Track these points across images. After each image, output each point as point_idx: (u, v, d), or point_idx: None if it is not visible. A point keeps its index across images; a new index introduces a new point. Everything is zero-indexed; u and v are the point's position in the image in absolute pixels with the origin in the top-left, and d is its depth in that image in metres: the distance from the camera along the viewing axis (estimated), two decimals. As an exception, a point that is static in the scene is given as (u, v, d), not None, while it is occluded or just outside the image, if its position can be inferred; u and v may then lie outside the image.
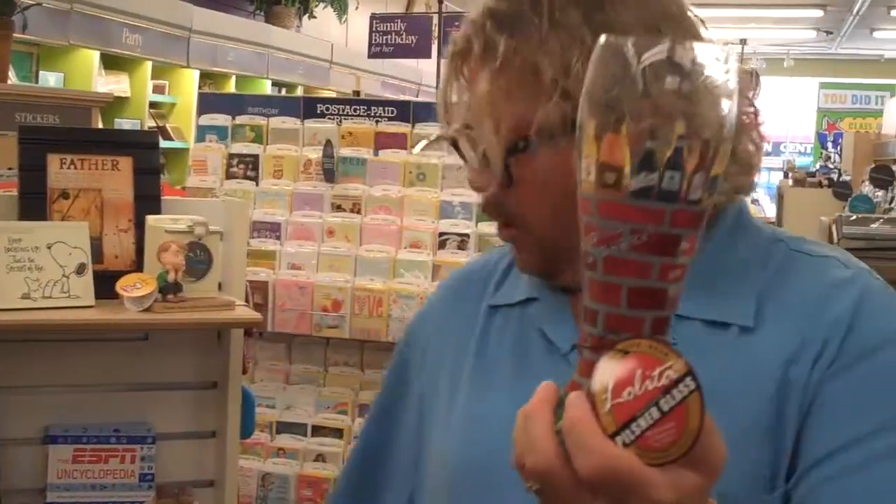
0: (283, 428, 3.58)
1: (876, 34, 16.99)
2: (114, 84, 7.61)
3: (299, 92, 9.91)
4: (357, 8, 10.51)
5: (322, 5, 10.39)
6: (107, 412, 2.18)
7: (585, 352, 0.65)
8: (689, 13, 0.96)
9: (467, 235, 3.51)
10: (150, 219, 2.11)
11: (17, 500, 2.13)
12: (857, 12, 14.77)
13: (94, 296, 2.06)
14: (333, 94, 9.58)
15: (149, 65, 7.90)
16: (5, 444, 2.13)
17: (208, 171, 3.73)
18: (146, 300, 2.03)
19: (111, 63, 7.64)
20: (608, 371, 0.62)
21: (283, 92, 9.78)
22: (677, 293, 0.65)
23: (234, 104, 3.87)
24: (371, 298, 3.48)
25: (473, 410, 1.03)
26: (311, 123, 3.72)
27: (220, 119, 3.79)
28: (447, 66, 0.97)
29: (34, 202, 2.12)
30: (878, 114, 18.57)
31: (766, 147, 1.03)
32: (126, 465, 2.13)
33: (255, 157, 3.72)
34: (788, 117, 20.45)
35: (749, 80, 0.97)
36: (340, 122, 3.70)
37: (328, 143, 3.60)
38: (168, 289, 2.05)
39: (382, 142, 3.65)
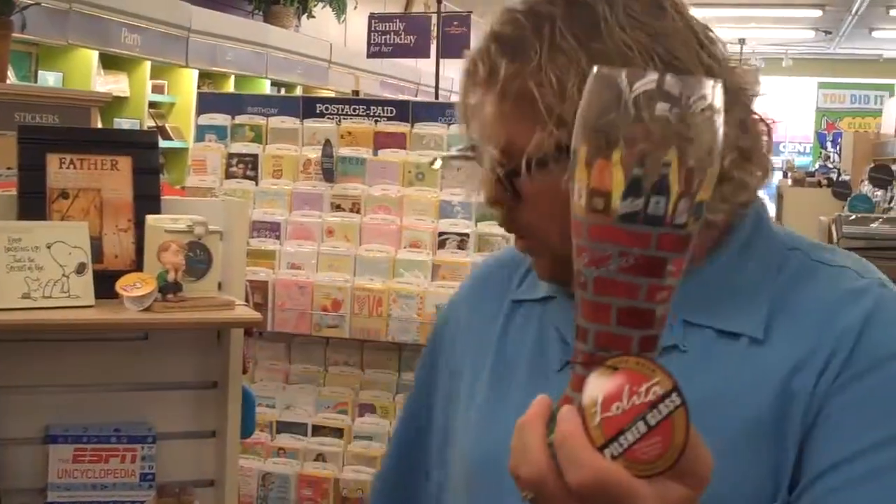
0: (283, 427, 3.58)
1: (875, 34, 17.00)
2: (113, 84, 7.61)
3: (298, 92, 9.91)
4: (356, 8, 10.50)
5: (321, 5, 10.39)
6: (107, 412, 2.18)
7: (577, 367, 0.68)
8: (692, 23, 0.95)
9: (467, 235, 3.51)
10: (150, 218, 2.11)
11: (17, 500, 2.13)
12: (856, 12, 14.78)
13: (94, 295, 2.06)
14: (332, 94, 9.59)
15: (148, 64, 7.89)
16: (5, 444, 2.13)
17: (208, 171, 3.73)
18: (146, 300, 2.03)
19: (110, 63, 7.63)
20: (598, 386, 0.65)
21: (282, 92, 9.77)
22: (665, 313, 0.67)
23: (234, 104, 3.87)
24: (371, 298, 3.48)
25: (490, 410, 1.05)
26: (310, 123, 3.72)
27: (220, 119, 3.79)
28: (462, 83, 0.99)
29: (34, 202, 2.11)
30: (878, 113, 18.58)
31: None
32: (126, 464, 2.13)
33: (255, 156, 3.72)
34: (787, 117, 20.45)
35: (756, 82, 0.98)
36: (339, 121, 3.70)
37: (327, 143, 3.60)
38: (168, 288, 2.05)
39: (381, 141, 3.65)
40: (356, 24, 10.49)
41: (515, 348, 1.07)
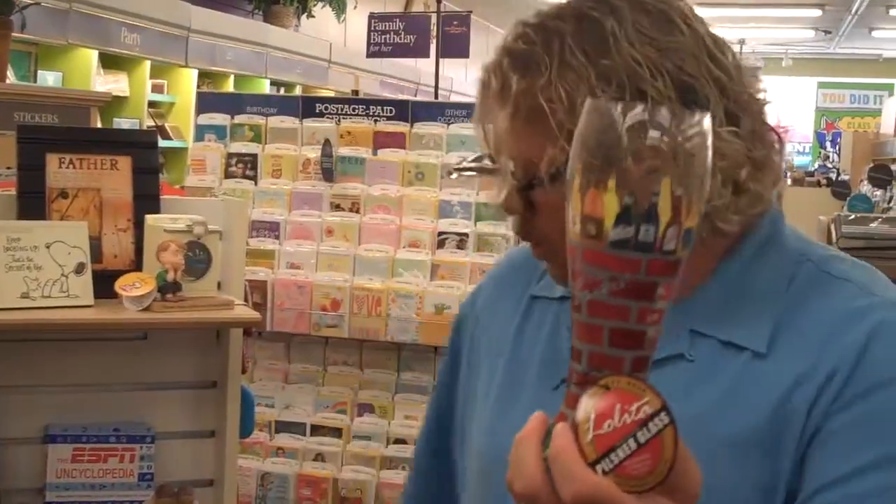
0: (282, 427, 3.58)
1: (874, 34, 17.00)
2: (112, 83, 7.61)
3: (298, 91, 9.91)
4: (355, 7, 10.50)
5: (320, 5, 10.38)
6: (106, 412, 2.18)
7: (571, 386, 0.71)
8: (701, 35, 0.95)
9: (466, 235, 3.51)
10: (149, 218, 2.11)
11: (16, 500, 2.13)
12: (856, 12, 14.78)
13: (94, 295, 2.06)
14: (332, 94, 9.58)
15: (147, 64, 7.89)
16: (5, 444, 2.13)
17: (207, 171, 3.73)
18: (145, 300, 2.03)
19: (110, 62, 7.63)
20: (591, 405, 0.68)
21: (282, 91, 9.77)
22: (656, 334, 0.70)
23: (233, 103, 3.87)
24: (370, 298, 3.48)
25: (502, 411, 1.08)
26: (309, 123, 3.72)
27: (219, 118, 3.79)
28: (477, 95, 1.01)
29: (33, 201, 2.11)
30: (877, 113, 18.59)
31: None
32: (125, 464, 2.13)
33: (254, 156, 3.72)
34: (787, 117, 20.46)
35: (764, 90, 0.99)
36: (339, 121, 3.70)
37: (327, 143, 3.60)
38: (167, 288, 2.05)
39: (381, 141, 3.65)
40: (356, 24, 10.49)
41: (529, 347, 1.09)
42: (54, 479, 2.11)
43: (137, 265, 2.12)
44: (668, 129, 0.68)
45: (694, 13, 0.97)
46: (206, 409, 2.27)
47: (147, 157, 2.23)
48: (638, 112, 0.68)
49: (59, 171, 2.14)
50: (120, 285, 2.04)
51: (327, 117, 3.72)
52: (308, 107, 3.77)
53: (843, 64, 20.58)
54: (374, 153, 3.65)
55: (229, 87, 9.01)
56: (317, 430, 3.57)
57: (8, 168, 3.13)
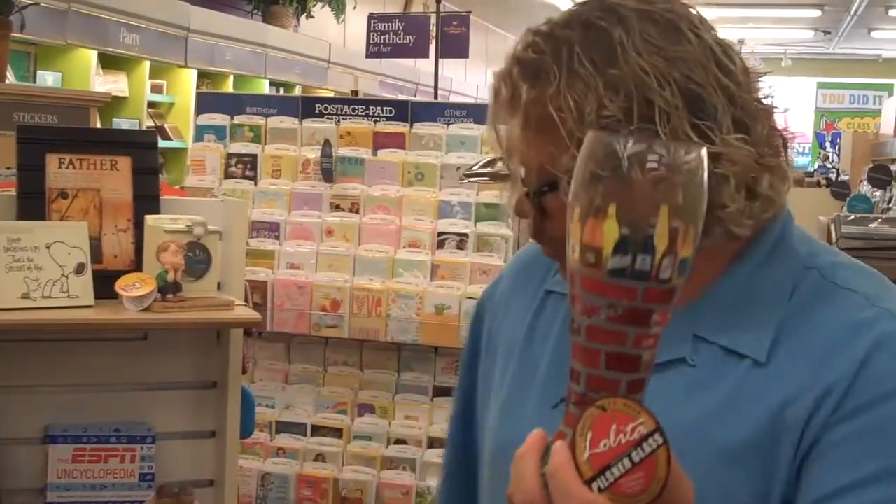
0: (283, 427, 3.58)
1: (874, 34, 17.01)
2: (112, 84, 7.60)
3: (297, 92, 9.90)
4: (355, 8, 10.49)
5: (320, 5, 10.37)
6: (106, 412, 2.18)
7: (570, 406, 0.75)
8: (709, 44, 0.95)
9: (466, 235, 3.51)
10: (149, 218, 2.11)
11: (16, 500, 2.13)
12: (855, 12, 14.78)
13: (94, 295, 2.06)
14: (331, 94, 9.58)
15: (147, 64, 7.89)
16: (5, 444, 2.13)
17: (207, 171, 3.73)
18: (145, 300, 2.03)
19: (109, 63, 7.63)
20: (588, 424, 0.72)
21: (281, 91, 9.77)
22: (651, 358, 0.74)
23: (233, 104, 3.86)
24: (370, 298, 3.48)
25: (511, 400, 1.11)
26: (309, 123, 3.72)
27: (219, 119, 3.79)
28: (489, 102, 1.02)
29: (33, 202, 2.11)
30: (877, 113, 18.59)
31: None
32: (126, 464, 2.13)
33: (254, 156, 3.72)
34: (786, 117, 20.46)
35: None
36: (339, 121, 3.70)
37: (326, 143, 3.60)
38: (167, 288, 2.05)
39: (381, 141, 3.65)
40: (355, 24, 10.49)
41: (541, 344, 1.11)
42: (55, 480, 2.11)
43: (137, 265, 2.12)
44: (665, 162, 0.70)
45: (702, 21, 0.97)
46: (207, 410, 2.27)
47: (147, 158, 2.23)
48: (636, 145, 0.71)
49: (59, 171, 2.14)
50: (120, 285, 2.04)
51: (327, 117, 3.72)
52: (308, 107, 3.77)
53: (842, 64, 20.58)
54: (374, 153, 3.65)
55: (229, 87, 9.00)
56: (317, 430, 3.57)
57: (8, 168, 3.13)
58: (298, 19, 10.37)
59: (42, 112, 4.37)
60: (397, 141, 3.64)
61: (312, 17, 10.43)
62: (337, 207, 3.61)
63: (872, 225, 4.78)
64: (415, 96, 11.86)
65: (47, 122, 4.30)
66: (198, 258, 2.11)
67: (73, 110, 4.56)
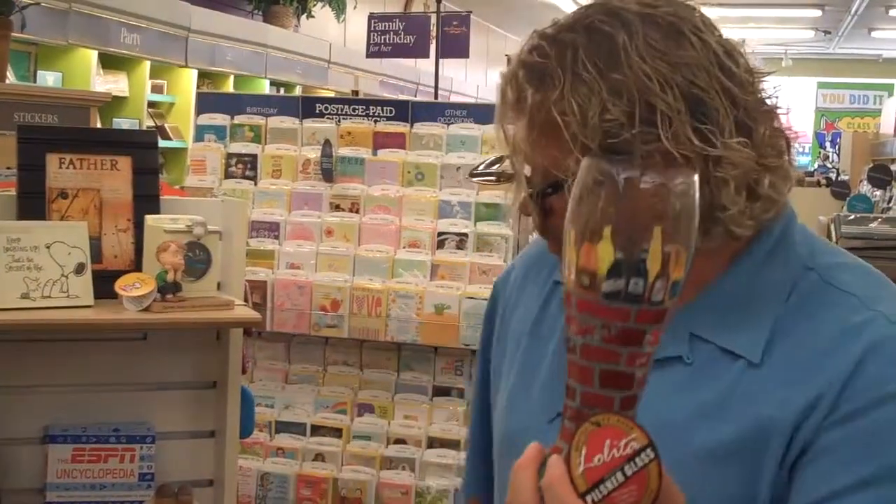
0: (282, 427, 3.58)
1: (874, 34, 17.00)
2: (112, 83, 7.60)
3: (297, 91, 9.90)
4: (355, 7, 10.49)
5: (320, 5, 10.37)
6: (106, 412, 2.18)
7: (566, 421, 0.78)
8: (712, 46, 0.95)
9: (466, 235, 3.51)
10: (149, 218, 2.11)
11: (16, 500, 2.13)
12: (856, 12, 14.78)
13: (94, 295, 2.06)
14: (332, 94, 9.58)
15: (147, 64, 7.89)
16: (5, 444, 2.13)
17: (207, 171, 3.73)
18: (145, 300, 2.03)
19: (109, 62, 7.63)
20: (583, 440, 0.74)
21: (282, 91, 9.77)
22: (644, 375, 0.76)
23: (233, 104, 3.87)
24: (370, 298, 3.48)
25: (517, 388, 1.13)
26: (309, 123, 3.72)
27: (219, 119, 3.79)
28: (496, 103, 1.03)
29: (33, 202, 2.11)
30: (877, 113, 18.60)
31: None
32: (125, 464, 2.13)
33: (254, 156, 3.72)
34: (788, 117, 20.43)
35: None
36: (339, 121, 3.70)
37: (327, 143, 3.60)
38: (167, 288, 2.05)
39: (381, 141, 3.65)
40: (355, 24, 10.49)
41: (548, 332, 1.12)
42: (54, 480, 2.11)
43: (137, 265, 2.12)
44: (658, 189, 0.73)
45: (706, 22, 0.97)
46: (206, 410, 2.27)
47: (147, 158, 2.23)
48: (630, 171, 0.74)
49: (59, 171, 2.14)
50: (120, 285, 2.04)
51: (327, 117, 3.72)
52: (308, 107, 3.77)
53: (842, 64, 20.57)
54: (374, 153, 3.65)
55: (229, 87, 9.00)
56: (317, 430, 3.57)
57: (8, 168, 3.13)
58: (299, 19, 10.37)
59: (42, 112, 4.37)
60: (397, 141, 3.65)
61: (313, 17, 10.43)
62: (337, 207, 3.62)
63: (872, 225, 4.78)
64: (415, 96, 11.86)
65: (47, 122, 4.31)
66: (198, 258, 2.11)
67: (73, 110, 4.56)
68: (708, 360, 0.98)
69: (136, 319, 2.04)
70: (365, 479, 3.46)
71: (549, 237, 1.04)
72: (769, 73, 1.00)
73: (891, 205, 7.33)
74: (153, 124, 7.90)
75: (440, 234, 3.53)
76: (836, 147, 16.60)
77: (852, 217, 4.95)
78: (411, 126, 3.66)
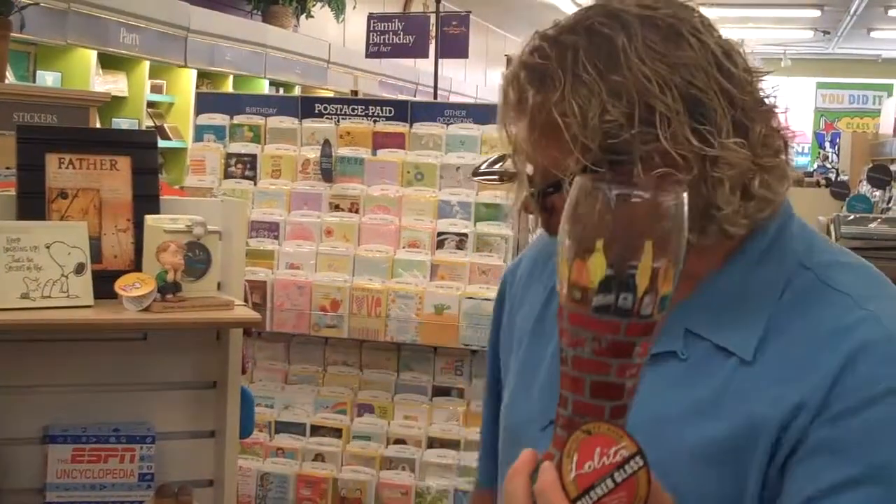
0: (282, 427, 3.58)
1: (873, 34, 17.00)
2: (111, 83, 7.60)
3: (297, 91, 9.90)
4: (354, 8, 10.50)
5: (319, 5, 10.37)
6: (106, 412, 2.18)
7: (558, 429, 0.80)
8: (710, 47, 0.96)
9: (465, 235, 3.51)
10: (149, 218, 2.11)
11: (15, 500, 2.13)
12: (855, 12, 14.78)
13: (93, 295, 2.06)
14: (331, 94, 9.58)
15: (146, 64, 7.89)
16: (5, 444, 2.13)
17: (206, 171, 3.73)
18: (145, 300, 2.03)
19: (109, 62, 7.62)
20: (574, 447, 0.77)
21: (281, 91, 9.77)
22: (634, 385, 0.79)
23: (232, 104, 3.87)
24: (369, 298, 3.48)
25: (520, 383, 1.15)
26: (308, 123, 3.72)
27: (218, 119, 3.79)
28: (498, 104, 1.04)
29: (33, 202, 2.11)
30: (876, 114, 18.60)
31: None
32: (125, 464, 2.13)
33: (253, 156, 3.72)
34: (786, 117, 20.42)
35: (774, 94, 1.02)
36: (338, 121, 3.70)
37: (326, 143, 3.60)
38: (167, 288, 2.05)
39: (380, 141, 3.65)
40: (355, 24, 10.49)
41: (550, 329, 1.13)
42: (54, 480, 2.11)
43: (137, 265, 2.12)
44: (648, 205, 0.76)
45: (705, 23, 0.98)
46: (206, 410, 2.27)
47: (146, 158, 2.22)
48: (620, 188, 0.76)
49: (59, 171, 2.14)
50: (120, 285, 2.04)
51: (326, 117, 3.72)
52: (307, 107, 3.77)
53: (841, 64, 20.58)
54: (374, 153, 3.65)
55: (228, 87, 9.00)
56: (316, 430, 3.57)
57: (8, 168, 3.13)
58: (298, 19, 10.37)
59: (42, 112, 4.37)
60: (397, 141, 3.65)
61: (312, 17, 10.43)
62: (336, 207, 3.62)
63: (872, 225, 4.78)
64: (414, 96, 11.86)
65: (47, 122, 4.31)
66: (197, 258, 2.11)
67: (72, 110, 4.56)
68: (703, 357, 0.99)
69: (136, 319, 2.04)
70: (365, 480, 3.46)
71: (551, 233, 1.05)
72: (768, 73, 1.01)
73: (890, 205, 7.33)
74: (152, 124, 7.90)
75: (440, 234, 3.53)
76: (836, 147, 16.61)
77: (852, 217, 4.96)
78: (411, 126, 3.66)
